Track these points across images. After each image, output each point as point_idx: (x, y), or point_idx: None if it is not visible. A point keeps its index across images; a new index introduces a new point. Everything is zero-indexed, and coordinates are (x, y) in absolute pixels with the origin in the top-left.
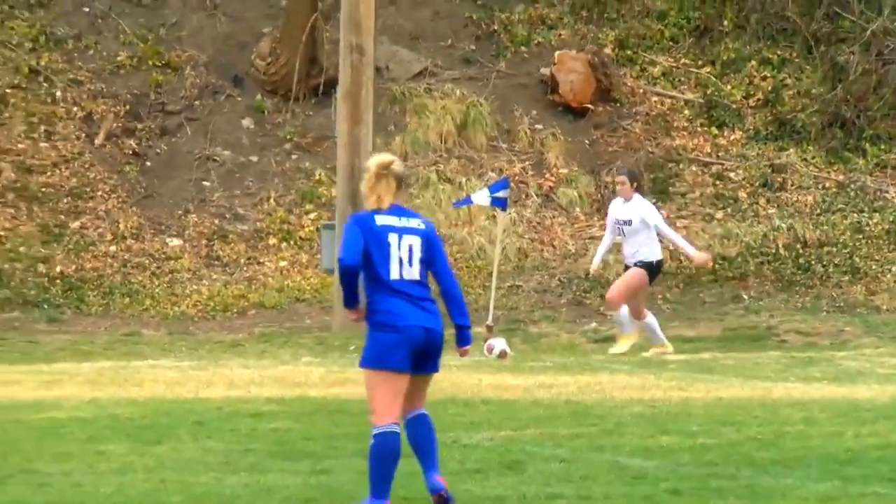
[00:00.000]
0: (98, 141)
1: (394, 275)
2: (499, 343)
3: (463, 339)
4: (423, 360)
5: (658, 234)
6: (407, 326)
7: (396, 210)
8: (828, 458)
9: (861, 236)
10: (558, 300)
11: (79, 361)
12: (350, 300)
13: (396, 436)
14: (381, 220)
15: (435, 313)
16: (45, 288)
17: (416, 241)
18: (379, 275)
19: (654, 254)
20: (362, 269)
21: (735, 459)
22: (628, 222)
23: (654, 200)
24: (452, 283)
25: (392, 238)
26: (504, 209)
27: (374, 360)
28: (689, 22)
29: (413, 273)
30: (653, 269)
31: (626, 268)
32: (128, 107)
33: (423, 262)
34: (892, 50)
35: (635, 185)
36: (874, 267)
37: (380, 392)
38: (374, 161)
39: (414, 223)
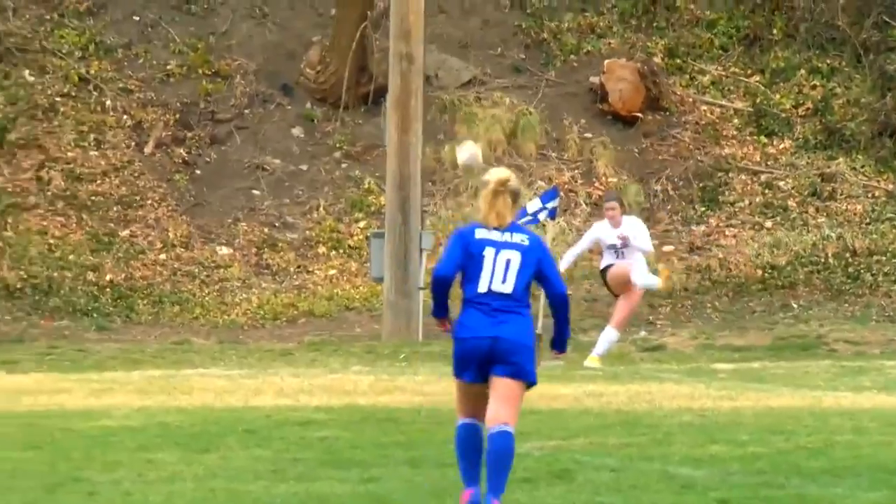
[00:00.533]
0: (148, 149)
1: (481, 288)
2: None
3: (556, 343)
4: (493, 366)
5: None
6: (471, 338)
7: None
8: (878, 467)
9: None
10: (607, 309)
11: (128, 370)
12: (438, 310)
13: (473, 427)
14: (480, 234)
15: (512, 322)
16: (95, 296)
17: (515, 256)
18: (467, 288)
19: (646, 274)
20: (462, 283)
21: (784, 469)
22: (625, 243)
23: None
24: (554, 293)
25: (488, 252)
26: (553, 218)
27: (453, 369)
28: (738, 31)
29: (504, 287)
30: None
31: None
32: (177, 115)
33: (521, 275)
34: None
35: (623, 209)
36: None
37: (458, 396)
38: (492, 177)
39: (517, 238)
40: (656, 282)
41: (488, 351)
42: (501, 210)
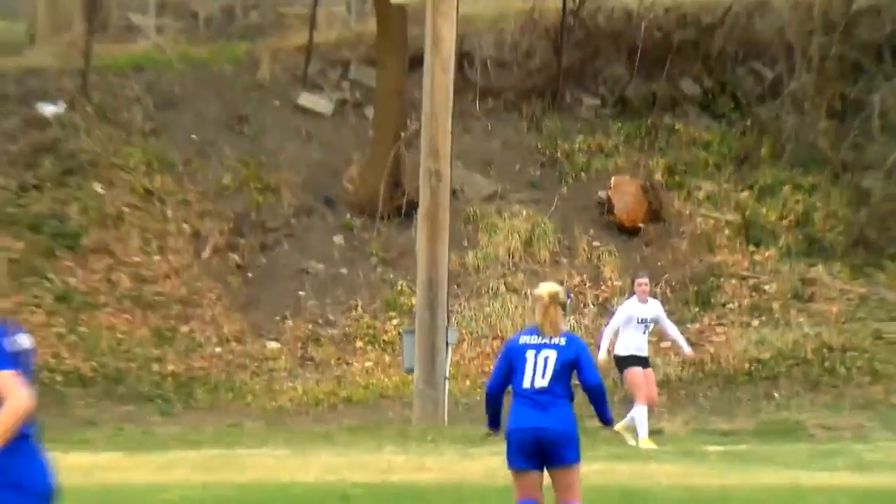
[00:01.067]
0: (205, 255)
1: (525, 384)
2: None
3: (603, 424)
4: (545, 455)
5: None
6: (518, 429)
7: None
8: None
9: (880, 342)
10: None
11: (188, 450)
12: (490, 422)
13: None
14: (523, 339)
15: (554, 413)
16: (158, 384)
17: (552, 354)
18: (514, 385)
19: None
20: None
21: None
22: (655, 320)
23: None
24: (590, 385)
25: (529, 354)
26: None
27: (507, 458)
28: (730, 151)
29: (543, 381)
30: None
31: (642, 360)
32: (232, 224)
33: (560, 371)
34: None
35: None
36: (891, 369)
37: (514, 483)
38: (544, 290)
39: (556, 340)
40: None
41: (534, 438)
42: (554, 320)
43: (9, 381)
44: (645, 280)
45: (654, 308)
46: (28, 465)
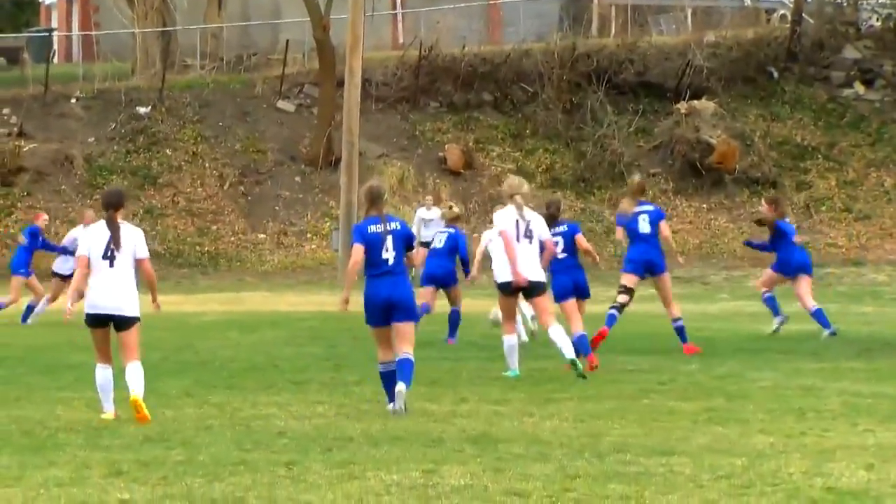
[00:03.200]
0: (225, 187)
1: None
2: None
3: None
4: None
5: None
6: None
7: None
8: None
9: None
10: None
11: (216, 293)
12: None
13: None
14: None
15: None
16: (200, 258)
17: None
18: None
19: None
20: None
21: None
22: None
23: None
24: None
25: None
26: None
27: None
28: (509, 131)
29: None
30: None
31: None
32: (240, 171)
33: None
34: None
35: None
36: None
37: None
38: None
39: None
40: None
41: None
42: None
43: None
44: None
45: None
46: None
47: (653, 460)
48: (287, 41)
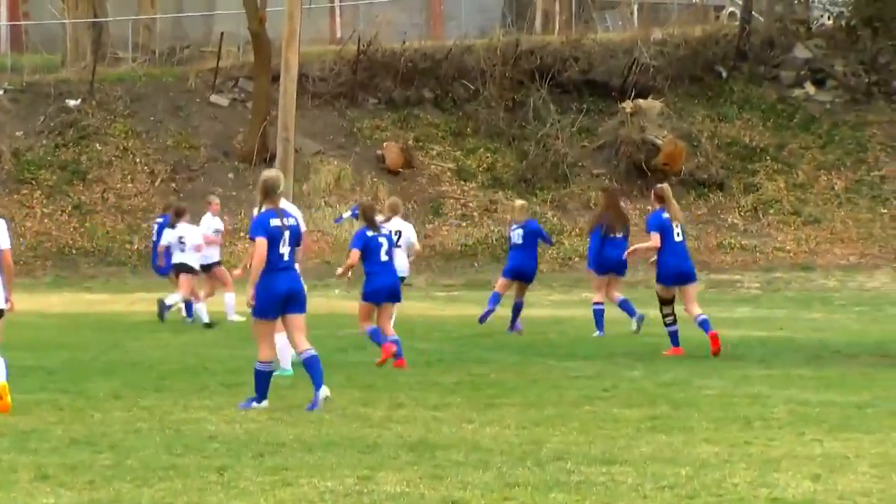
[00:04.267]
0: (156, 184)
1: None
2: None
3: None
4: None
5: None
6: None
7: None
8: None
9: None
10: None
11: (148, 292)
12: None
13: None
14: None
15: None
16: (129, 256)
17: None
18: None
19: None
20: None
21: None
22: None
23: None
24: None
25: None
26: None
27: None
28: (450, 130)
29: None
30: None
31: None
32: (171, 167)
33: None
34: None
35: None
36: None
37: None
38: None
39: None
40: None
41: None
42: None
43: None
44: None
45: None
46: None
47: (595, 469)
48: (222, 34)
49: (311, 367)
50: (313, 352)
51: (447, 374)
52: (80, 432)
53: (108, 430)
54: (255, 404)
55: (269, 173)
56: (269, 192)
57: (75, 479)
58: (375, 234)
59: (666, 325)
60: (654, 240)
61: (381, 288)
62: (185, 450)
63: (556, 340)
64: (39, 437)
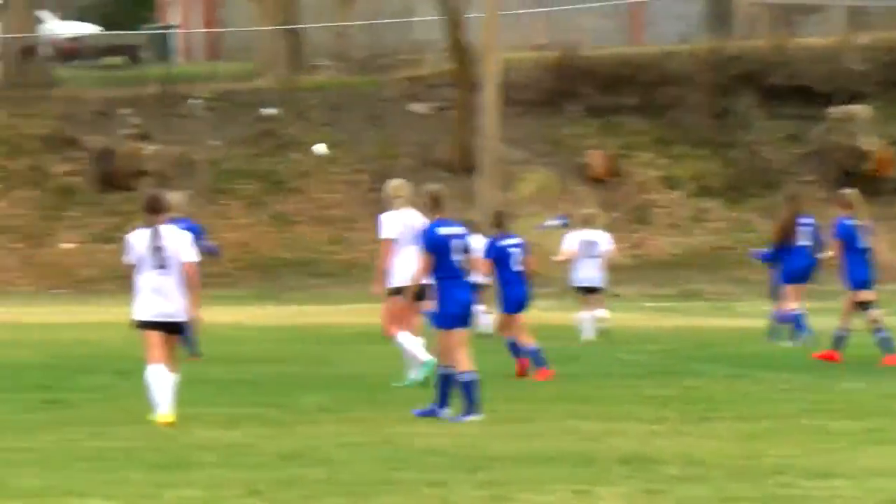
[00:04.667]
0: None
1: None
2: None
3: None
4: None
5: None
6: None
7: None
8: None
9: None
10: None
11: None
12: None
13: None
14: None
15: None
16: None
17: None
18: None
19: None
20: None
21: None
22: None
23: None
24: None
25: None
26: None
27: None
28: (660, 139)
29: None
30: None
31: None
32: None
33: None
34: None
35: None
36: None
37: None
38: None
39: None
40: None
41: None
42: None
43: None
44: None
45: None
46: None
47: (814, 483)
48: (420, 41)
49: (456, 387)
50: (473, 375)
51: (660, 388)
52: (290, 446)
53: (319, 444)
54: (467, 417)
55: (434, 186)
56: (439, 203)
57: (289, 494)
58: (507, 243)
59: (873, 332)
60: (835, 247)
61: (516, 298)
62: (400, 464)
63: (764, 351)
64: (247, 452)
